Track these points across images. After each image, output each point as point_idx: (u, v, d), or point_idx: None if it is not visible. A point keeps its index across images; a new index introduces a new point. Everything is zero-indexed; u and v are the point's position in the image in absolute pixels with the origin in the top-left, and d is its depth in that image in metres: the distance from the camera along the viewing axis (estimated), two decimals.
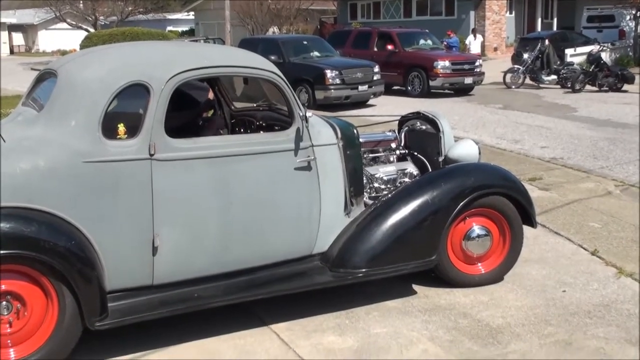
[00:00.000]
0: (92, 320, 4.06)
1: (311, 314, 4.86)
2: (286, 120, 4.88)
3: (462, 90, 20.33)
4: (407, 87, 20.22)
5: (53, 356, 4.05)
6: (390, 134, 6.02)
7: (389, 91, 19.53)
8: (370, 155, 5.82)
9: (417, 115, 6.06)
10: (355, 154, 5.11)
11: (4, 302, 3.93)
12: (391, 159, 5.92)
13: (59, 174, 4.05)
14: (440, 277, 5.29)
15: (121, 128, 4.27)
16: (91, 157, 4.12)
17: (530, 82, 21.61)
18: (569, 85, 20.20)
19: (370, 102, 18.10)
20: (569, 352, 4.35)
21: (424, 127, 5.94)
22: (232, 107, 5.83)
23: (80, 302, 4.03)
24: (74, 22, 44.12)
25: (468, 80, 20.10)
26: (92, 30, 41.36)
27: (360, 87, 17.26)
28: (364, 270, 4.82)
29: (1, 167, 3.96)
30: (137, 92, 4.32)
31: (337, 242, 4.94)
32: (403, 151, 5.97)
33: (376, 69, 17.81)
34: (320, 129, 4.95)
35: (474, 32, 28.05)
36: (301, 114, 4.71)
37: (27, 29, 60.92)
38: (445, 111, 11.58)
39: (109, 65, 4.50)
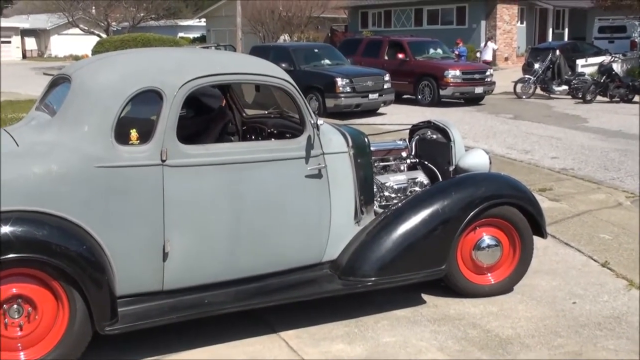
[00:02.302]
0: (102, 325, 4.07)
1: (320, 322, 4.86)
2: (297, 128, 4.89)
3: (473, 100, 20.33)
4: (417, 96, 20.23)
5: None
6: (400, 142, 6.02)
7: (399, 100, 19.54)
8: (381, 163, 5.83)
9: (428, 124, 6.07)
10: (366, 162, 5.10)
11: (15, 306, 3.95)
12: (402, 167, 5.93)
13: (72, 179, 4.07)
14: (449, 287, 5.28)
15: (133, 134, 4.29)
16: (103, 162, 4.14)
17: (541, 92, 21.56)
18: (580, 96, 20.18)
19: (381, 110, 18.11)
20: None
21: (434, 136, 5.95)
22: (244, 114, 5.85)
23: (91, 306, 4.04)
24: (86, 28, 44.34)
25: (478, 89, 20.09)
26: (104, 35, 41.53)
27: (371, 96, 17.27)
28: (373, 278, 4.81)
29: (14, 171, 4.00)
30: (150, 98, 4.35)
31: (347, 250, 4.94)
32: (414, 160, 5.97)
33: (387, 77, 17.82)
34: (331, 137, 4.95)
35: (488, 40, 27.93)
36: (312, 122, 4.72)
37: (39, 34, 61.26)
38: (455, 120, 11.58)
39: (123, 71, 4.53)
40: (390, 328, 4.81)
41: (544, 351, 4.48)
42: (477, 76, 20.20)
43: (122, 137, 4.24)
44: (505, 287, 5.35)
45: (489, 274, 5.31)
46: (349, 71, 17.71)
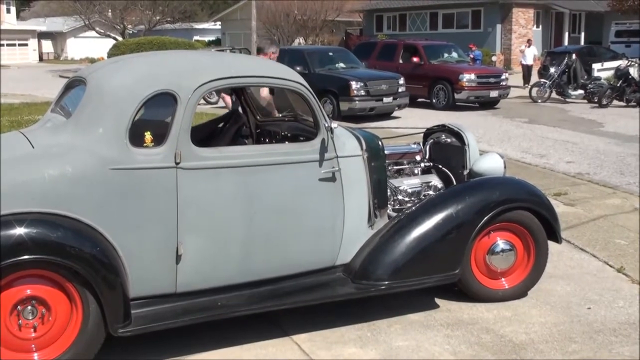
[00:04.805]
0: (115, 327, 4.07)
1: (333, 325, 4.84)
2: (311, 131, 4.89)
3: (488, 104, 20.28)
4: (432, 100, 20.21)
5: None
6: (415, 146, 6.00)
7: (413, 103, 19.51)
8: (395, 167, 5.81)
9: (443, 128, 6.05)
10: (380, 165, 5.09)
11: (29, 307, 3.96)
12: (415, 171, 5.90)
13: (86, 181, 4.07)
14: (463, 292, 5.25)
15: (148, 136, 4.30)
16: (118, 165, 4.14)
17: (557, 97, 21.52)
18: (596, 100, 20.09)
19: (395, 114, 18.09)
20: None
21: (449, 139, 5.93)
22: (258, 117, 5.85)
23: (104, 308, 4.04)
24: (102, 31, 44.63)
25: (493, 93, 20.05)
26: (120, 38, 41.77)
27: (385, 99, 17.24)
28: (386, 282, 4.79)
29: (30, 173, 4.02)
30: (164, 100, 4.34)
31: (360, 253, 4.92)
32: (428, 164, 5.95)
33: (401, 81, 17.77)
34: (345, 141, 4.94)
35: (529, 42, 27.68)
36: (326, 125, 4.71)
37: (56, 37, 61.75)
38: (470, 124, 11.56)
39: (137, 73, 4.54)
40: (403, 332, 4.79)
41: (557, 357, 4.45)
42: (492, 80, 20.14)
43: (136, 139, 4.24)
44: (519, 292, 5.31)
45: (502, 279, 5.27)
46: (364, 75, 17.69)
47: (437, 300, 5.28)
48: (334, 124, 4.76)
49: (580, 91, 21.13)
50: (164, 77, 4.43)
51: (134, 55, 5.41)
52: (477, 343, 4.64)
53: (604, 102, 19.73)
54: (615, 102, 19.87)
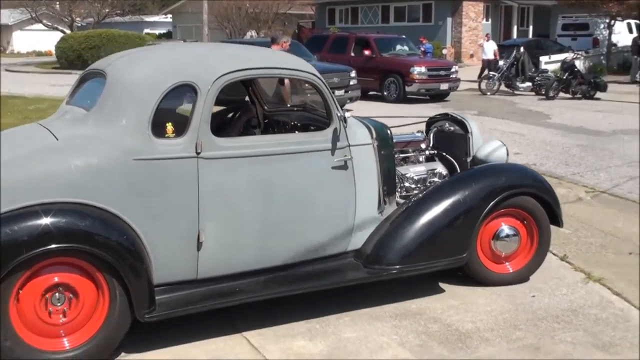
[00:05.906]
0: (141, 312, 4.15)
1: (283, 319, 4.84)
2: (321, 120, 5.00)
3: (438, 96, 20.50)
4: (383, 93, 20.35)
5: (102, 347, 4.15)
6: (419, 134, 6.11)
7: (365, 96, 19.58)
8: (401, 155, 5.90)
9: (445, 117, 6.18)
10: (389, 154, 5.21)
11: (57, 294, 4.02)
12: (420, 159, 6.02)
13: (111, 171, 4.14)
14: (469, 276, 5.38)
15: (169, 127, 4.37)
16: (141, 155, 4.22)
17: (505, 89, 21.90)
18: (543, 92, 20.56)
19: (347, 106, 17.90)
20: (537, 356, 4.38)
21: (452, 128, 6.04)
22: (266, 108, 5.94)
23: (131, 294, 4.12)
24: (49, 23, 43.57)
25: (444, 86, 20.33)
26: (68, 31, 40.81)
27: (337, 92, 17.14)
28: (397, 267, 4.91)
29: (56, 164, 4.10)
30: (185, 92, 4.44)
31: (371, 239, 5.04)
32: (432, 151, 6.05)
33: (353, 74, 17.73)
34: (357, 129, 5.05)
35: (487, 36, 27.81)
36: (339, 115, 4.83)
37: (1, 29, 60.00)
38: None
39: (158, 65, 4.62)
40: (352, 324, 4.81)
41: (502, 344, 4.52)
42: (442, 73, 20.41)
43: (158, 130, 4.31)
44: (522, 276, 5.46)
45: (507, 263, 5.41)
46: (315, 67, 17.60)
47: (385, 292, 5.29)
48: (347, 114, 4.88)
49: (528, 83, 21.58)
50: (185, 69, 4.52)
51: (153, 47, 5.47)
52: (425, 332, 4.69)
53: (551, 94, 20.19)
54: (561, 94, 20.34)
